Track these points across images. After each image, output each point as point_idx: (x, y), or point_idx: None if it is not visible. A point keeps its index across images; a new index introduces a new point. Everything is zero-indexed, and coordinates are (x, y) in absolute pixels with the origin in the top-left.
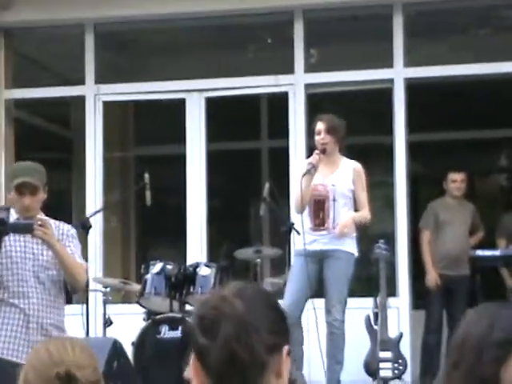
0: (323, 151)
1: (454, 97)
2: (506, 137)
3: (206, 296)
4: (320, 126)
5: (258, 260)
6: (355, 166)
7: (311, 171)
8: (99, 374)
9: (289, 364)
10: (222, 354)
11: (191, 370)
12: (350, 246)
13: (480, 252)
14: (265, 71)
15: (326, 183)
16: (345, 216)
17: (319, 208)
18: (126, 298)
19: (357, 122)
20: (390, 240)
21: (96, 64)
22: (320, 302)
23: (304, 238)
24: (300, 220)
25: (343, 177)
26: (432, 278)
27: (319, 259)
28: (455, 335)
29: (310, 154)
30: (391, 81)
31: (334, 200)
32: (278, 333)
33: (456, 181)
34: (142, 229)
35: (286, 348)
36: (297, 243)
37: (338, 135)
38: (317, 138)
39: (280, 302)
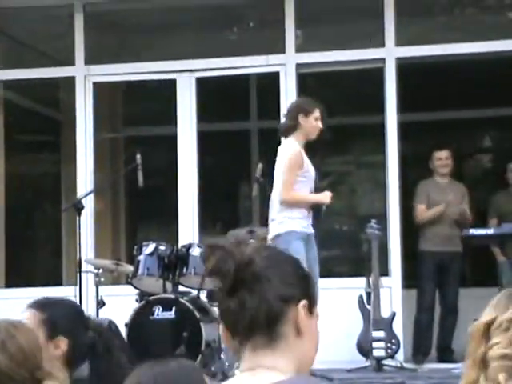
0: None
1: (443, 77)
2: (491, 117)
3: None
4: (318, 113)
5: (252, 240)
6: None
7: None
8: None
9: (312, 323)
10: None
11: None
12: None
13: (473, 231)
14: (255, 51)
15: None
16: None
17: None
18: (116, 280)
19: (347, 102)
20: (382, 220)
21: (86, 45)
22: None
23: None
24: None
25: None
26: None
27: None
28: None
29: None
30: (382, 60)
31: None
32: (292, 284)
33: (441, 159)
34: (132, 210)
35: (302, 302)
36: (287, 226)
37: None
38: (319, 124)
39: None
